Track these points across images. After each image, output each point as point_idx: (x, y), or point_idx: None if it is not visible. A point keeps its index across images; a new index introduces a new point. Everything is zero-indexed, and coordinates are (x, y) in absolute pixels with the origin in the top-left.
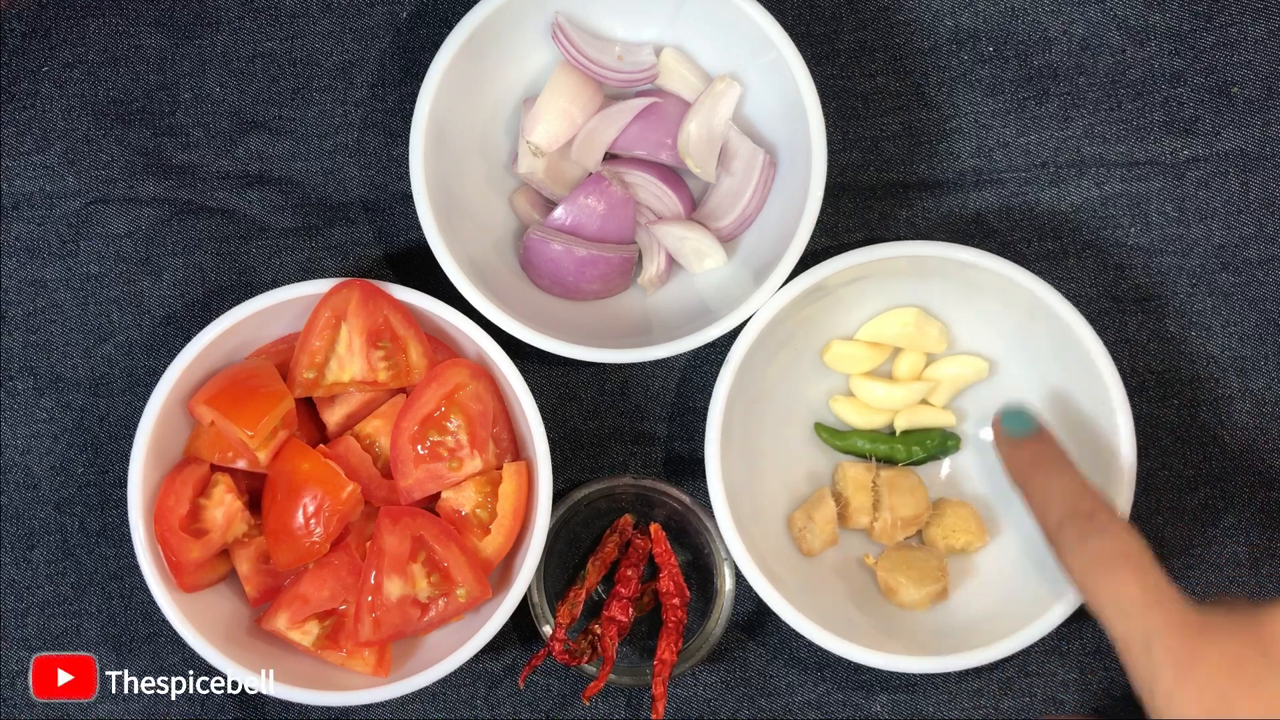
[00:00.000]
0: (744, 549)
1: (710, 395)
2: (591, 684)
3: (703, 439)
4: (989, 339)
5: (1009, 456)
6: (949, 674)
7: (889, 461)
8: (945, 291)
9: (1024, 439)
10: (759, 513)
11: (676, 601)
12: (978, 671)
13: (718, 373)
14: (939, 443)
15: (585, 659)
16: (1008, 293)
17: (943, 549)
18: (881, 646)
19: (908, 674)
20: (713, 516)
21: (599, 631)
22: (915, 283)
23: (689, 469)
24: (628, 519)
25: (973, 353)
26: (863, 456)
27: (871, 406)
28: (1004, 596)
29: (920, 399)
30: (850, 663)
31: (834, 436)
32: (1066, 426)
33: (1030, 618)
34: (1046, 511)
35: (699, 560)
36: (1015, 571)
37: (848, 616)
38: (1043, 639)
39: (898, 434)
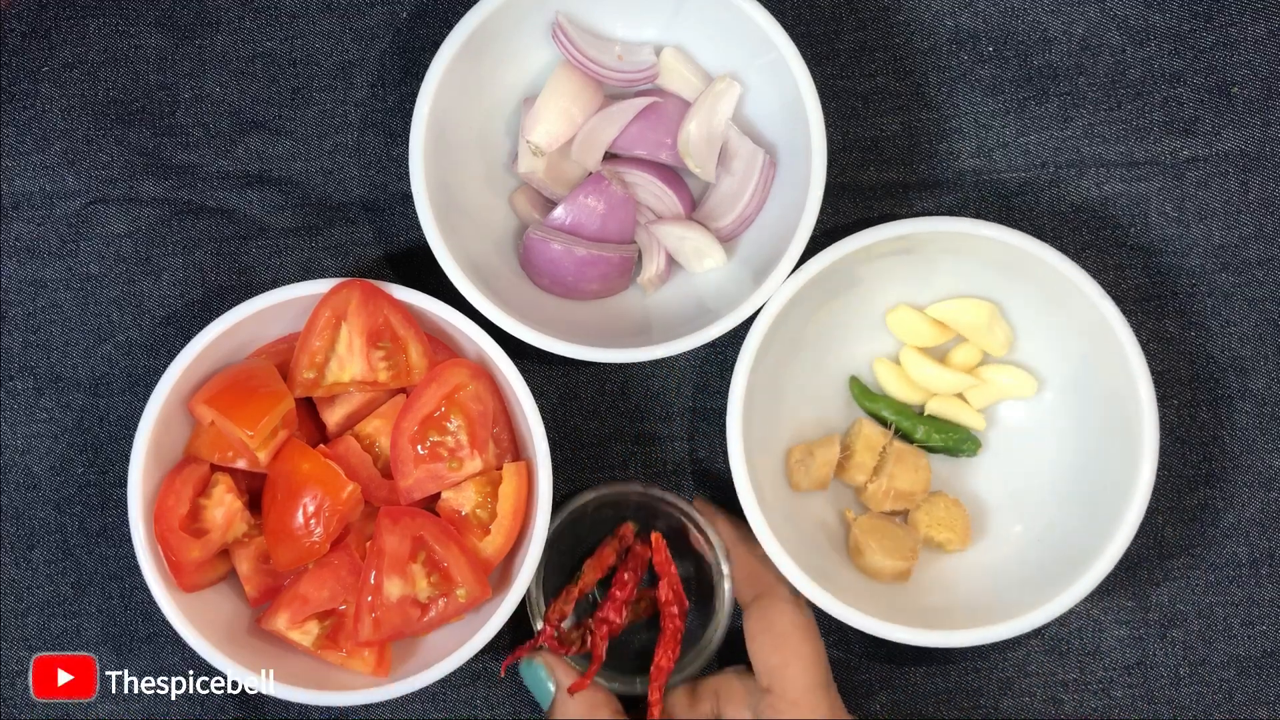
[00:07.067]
0: (747, 478)
1: (710, 395)
2: (578, 679)
3: (703, 439)
4: (1051, 359)
5: None
6: (949, 673)
7: (905, 437)
8: (1029, 296)
9: None
10: (767, 440)
11: (675, 610)
12: (977, 670)
13: (718, 373)
14: (958, 439)
15: (576, 649)
16: (1095, 330)
17: (921, 535)
18: (848, 602)
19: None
20: (715, 531)
21: (592, 626)
22: (1003, 278)
23: (689, 469)
24: (629, 526)
25: (1028, 368)
26: (884, 423)
27: (912, 380)
28: (965, 602)
29: (959, 392)
30: (849, 664)
31: (864, 395)
32: (1089, 479)
33: (989, 627)
34: None
35: (700, 574)
36: (981, 587)
37: (819, 565)
38: (1042, 639)
39: (924, 414)
